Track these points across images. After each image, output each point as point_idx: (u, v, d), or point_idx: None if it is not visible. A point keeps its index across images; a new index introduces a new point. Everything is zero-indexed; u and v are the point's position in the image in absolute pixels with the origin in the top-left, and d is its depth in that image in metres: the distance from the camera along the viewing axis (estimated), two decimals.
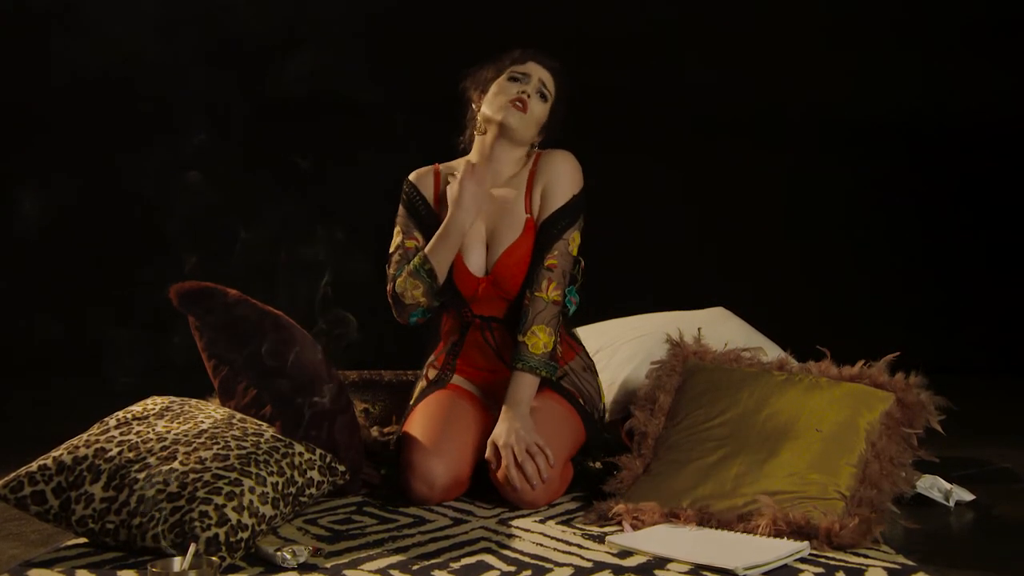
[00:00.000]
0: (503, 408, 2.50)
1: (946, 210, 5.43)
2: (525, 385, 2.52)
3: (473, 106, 2.75)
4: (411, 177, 2.78)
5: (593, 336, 3.34)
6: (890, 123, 5.35)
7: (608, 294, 2.81)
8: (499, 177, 2.70)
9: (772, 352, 2.96)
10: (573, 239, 2.63)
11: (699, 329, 2.89)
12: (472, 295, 2.67)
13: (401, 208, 2.76)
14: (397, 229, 2.74)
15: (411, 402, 2.72)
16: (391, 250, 2.72)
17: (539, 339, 2.53)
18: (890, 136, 5.37)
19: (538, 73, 2.68)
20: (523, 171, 2.71)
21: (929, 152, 5.37)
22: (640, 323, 3.35)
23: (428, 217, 2.72)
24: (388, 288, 2.68)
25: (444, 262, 2.63)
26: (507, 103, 2.63)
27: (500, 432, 2.46)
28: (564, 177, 2.66)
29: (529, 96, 2.64)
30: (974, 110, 5.33)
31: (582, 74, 5.01)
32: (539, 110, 2.67)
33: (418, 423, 2.57)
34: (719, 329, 3.16)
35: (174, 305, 2.52)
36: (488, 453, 2.45)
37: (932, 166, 5.39)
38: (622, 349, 3.21)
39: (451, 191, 2.65)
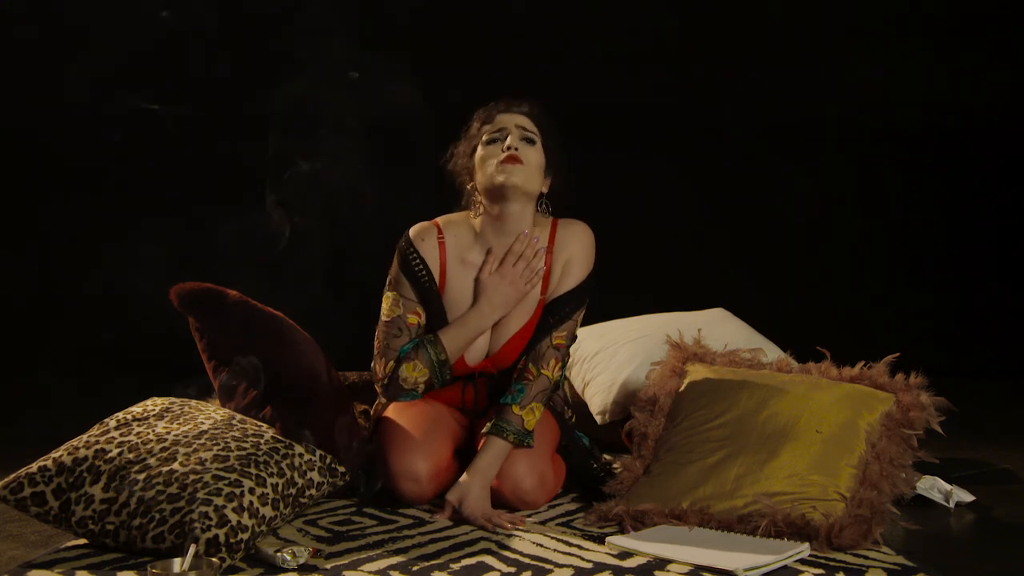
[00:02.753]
0: (470, 468, 2.39)
1: (946, 211, 5.43)
2: (500, 452, 2.40)
3: (468, 187, 2.55)
4: (411, 234, 2.53)
5: (593, 337, 3.34)
6: (891, 125, 5.35)
7: (608, 295, 2.80)
8: (512, 236, 2.52)
9: (772, 353, 2.97)
10: (579, 318, 2.53)
11: (699, 330, 2.89)
12: (465, 376, 2.57)
13: (398, 271, 2.52)
14: (393, 296, 2.51)
15: (372, 415, 2.67)
16: (385, 318, 2.51)
17: (534, 416, 2.44)
18: (891, 138, 5.37)
19: (512, 121, 2.48)
20: (541, 242, 2.53)
21: (930, 153, 5.37)
22: (640, 324, 3.35)
23: (429, 288, 2.51)
24: (382, 365, 2.50)
25: (458, 354, 2.50)
26: (498, 165, 2.43)
27: (455, 496, 2.36)
28: (583, 256, 2.53)
29: (517, 148, 2.45)
30: (974, 112, 5.33)
31: (588, 74, 5.06)
32: (534, 156, 2.47)
33: (390, 428, 2.51)
34: (719, 330, 3.17)
35: (174, 306, 2.52)
36: (447, 512, 2.37)
37: (933, 167, 5.39)
38: (622, 350, 3.21)
39: (484, 280, 2.50)
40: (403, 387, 2.49)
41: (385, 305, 2.53)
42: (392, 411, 2.57)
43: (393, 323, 2.50)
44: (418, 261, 2.51)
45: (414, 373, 2.48)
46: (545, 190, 2.54)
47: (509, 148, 2.44)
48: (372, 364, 2.54)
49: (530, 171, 2.46)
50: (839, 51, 5.28)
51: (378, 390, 2.55)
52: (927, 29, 5.27)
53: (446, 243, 2.54)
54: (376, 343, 2.53)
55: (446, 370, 2.50)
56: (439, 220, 2.57)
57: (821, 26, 5.27)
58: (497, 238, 2.53)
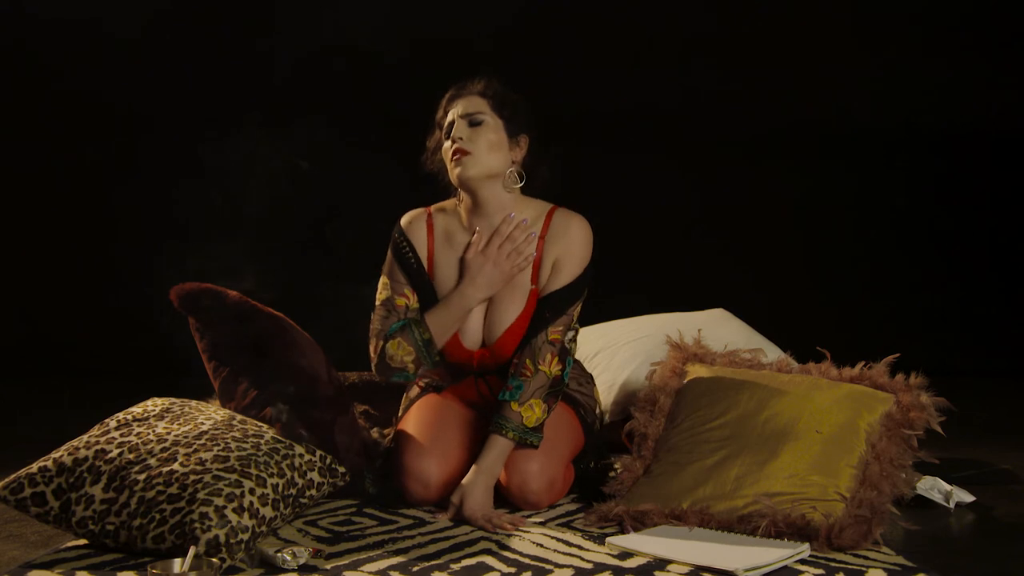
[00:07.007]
0: (473, 468, 2.40)
1: (946, 212, 5.43)
2: (502, 450, 2.41)
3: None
4: (402, 222, 2.59)
5: (593, 337, 3.34)
6: (891, 128, 5.36)
7: (608, 295, 2.80)
8: (497, 218, 2.53)
9: (772, 353, 2.97)
10: (576, 312, 2.52)
11: (699, 330, 2.89)
12: (466, 364, 2.58)
13: (390, 257, 2.58)
14: (384, 280, 2.56)
15: (400, 412, 2.71)
16: (377, 302, 2.56)
17: (534, 413, 2.44)
18: (891, 140, 5.38)
19: (458, 110, 2.48)
20: (533, 226, 2.52)
21: (930, 156, 5.38)
22: (640, 324, 3.35)
23: (418, 272, 2.55)
24: (373, 345, 2.52)
25: (445, 335, 2.51)
26: (451, 161, 2.47)
27: (457, 496, 2.37)
28: (577, 253, 2.50)
29: (462, 139, 2.44)
30: (974, 115, 5.33)
31: (587, 76, 5.06)
32: (483, 139, 2.46)
33: (410, 426, 2.55)
34: (719, 330, 3.16)
35: (174, 306, 2.52)
36: (450, 512, 2.38)
37: (934, 169, 5.40)
38: (622, 350, 3.21)
39: (468, 259, 2.51)
40: (391, 365, 2.51)
41: (378, 289, 2.58)
42: (415, 411, 2.60)
43: (383, 305, 2.55)
44: (406, 246, 2.56)
45: (399, 352, 2.50)
46: (518, 156, 2.52)
47: (455, 143, 2.46)
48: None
49: (480, 156, 2.45)
50: (839, 52, 5.28)
51: (373, 371, 2.57)
52: (926, 30, 5.27)
53: (434, 225, 2.59)
54: (371, 327, 2.57)
55: (433, 350, 2.51)
56: (432, 207, 2.63)
57: (820, 28, 5.27)
58: (481, 220, 2.55)
